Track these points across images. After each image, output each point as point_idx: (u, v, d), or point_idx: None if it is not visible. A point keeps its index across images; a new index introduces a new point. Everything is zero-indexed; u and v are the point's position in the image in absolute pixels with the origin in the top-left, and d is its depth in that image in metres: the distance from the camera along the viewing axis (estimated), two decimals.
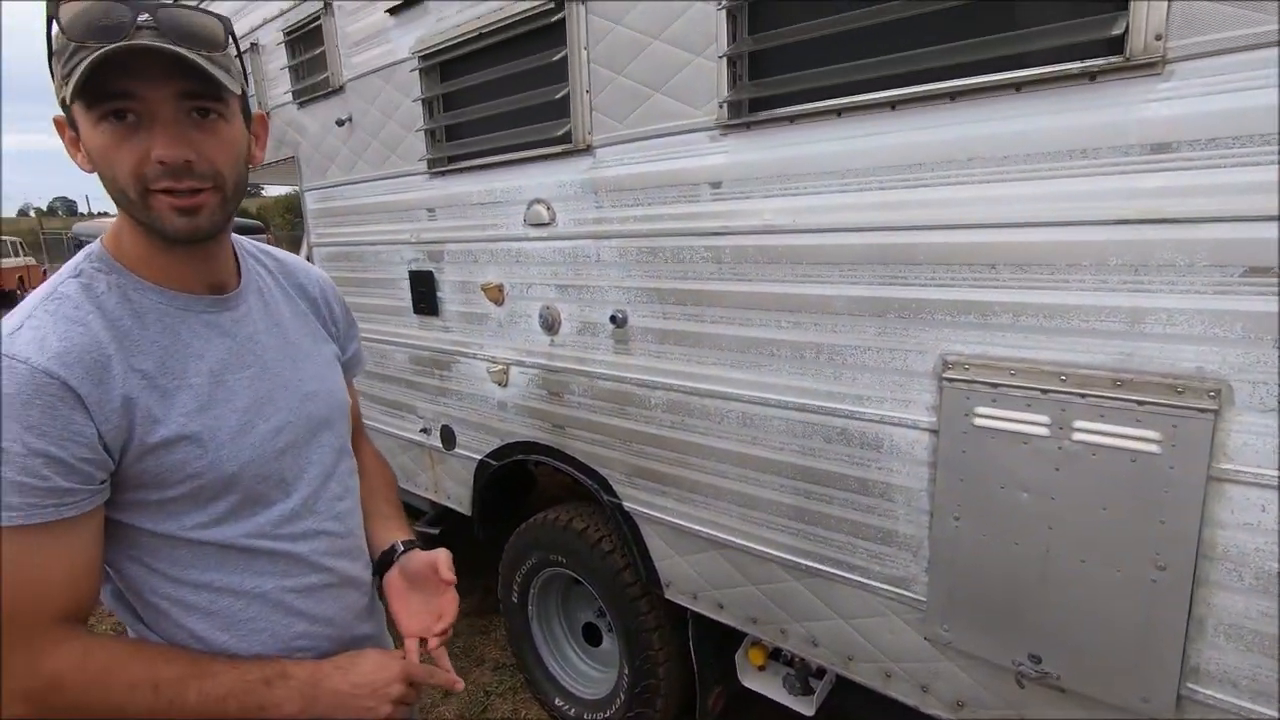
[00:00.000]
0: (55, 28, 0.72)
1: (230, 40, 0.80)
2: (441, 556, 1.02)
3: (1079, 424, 1.12)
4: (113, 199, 0.78)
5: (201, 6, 0.81)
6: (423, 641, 0.97)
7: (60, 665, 0.74)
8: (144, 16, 0.72)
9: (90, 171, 0.78)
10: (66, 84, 0.72)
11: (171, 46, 0.72)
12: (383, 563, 1.06)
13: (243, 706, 0.80)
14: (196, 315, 0.86)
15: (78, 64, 0.70)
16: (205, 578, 0.85)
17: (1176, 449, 1.04)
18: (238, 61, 0.82)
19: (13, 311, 0.77)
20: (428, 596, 1.02)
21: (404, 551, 1.06)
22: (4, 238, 16.42)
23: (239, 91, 0.80)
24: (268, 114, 2.64)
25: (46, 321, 0.75)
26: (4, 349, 0.72)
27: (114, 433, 0.76)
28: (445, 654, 1.01)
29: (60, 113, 0.78)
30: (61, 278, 0.81)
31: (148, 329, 0.81)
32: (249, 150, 0.87)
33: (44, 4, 0.74)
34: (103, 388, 0.75)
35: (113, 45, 0.69)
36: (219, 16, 0.80)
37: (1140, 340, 1.06)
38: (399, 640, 1.02)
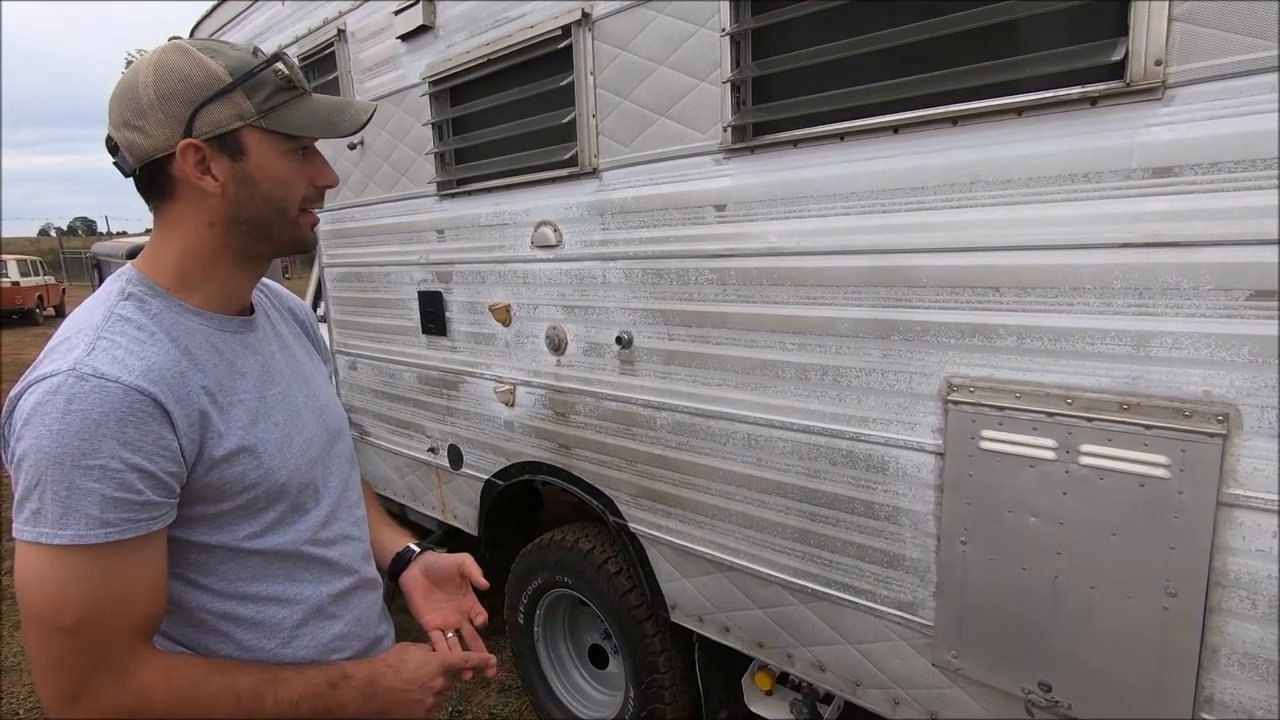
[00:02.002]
0: (276, 71, 0.82)
1: None
2: (468, 561, 1.11)
3: (1086, 448, 1.11)
4: (259, 218, 0.85)
5: (228, 39, 0.87)
6: (456, 632, 1.06)
7: (147, 681, 0.75)
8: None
9: (216, 192, 0.82)
10: (268, 114, 0.82)
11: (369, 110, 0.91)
12: (397, 564, 1.12)
13: (313, 709, 0.85)
14: (232, 335, 0.88)
15: (283, 101, 0.83)
16: (252, 589, 0.87)
17: (1185, 474, 1.03)
18: None
19: (65, 341, 0.76)
20: (450, 594, 1.11)
21: (419, 553, 1.13)
22: (25, 258, 16.78)
23: None
24: None
25: (119, 341, 0.75)
26: (88, 370, 0.71)
27: (191, 447, 0.78)
28: (478, 637, 1.07)
29: (182, 139, 0.78)
30: (109, 301, 0.79)
31: (200, 348, 0.83)
32: None
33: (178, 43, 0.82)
34: (183, 403, 0.77)
35: (365, 115, 0.90)
36: None
37: (1146, 364, 1.06)
38: (405, 636, 1.06)
